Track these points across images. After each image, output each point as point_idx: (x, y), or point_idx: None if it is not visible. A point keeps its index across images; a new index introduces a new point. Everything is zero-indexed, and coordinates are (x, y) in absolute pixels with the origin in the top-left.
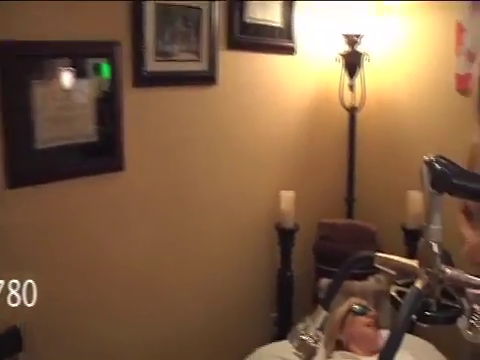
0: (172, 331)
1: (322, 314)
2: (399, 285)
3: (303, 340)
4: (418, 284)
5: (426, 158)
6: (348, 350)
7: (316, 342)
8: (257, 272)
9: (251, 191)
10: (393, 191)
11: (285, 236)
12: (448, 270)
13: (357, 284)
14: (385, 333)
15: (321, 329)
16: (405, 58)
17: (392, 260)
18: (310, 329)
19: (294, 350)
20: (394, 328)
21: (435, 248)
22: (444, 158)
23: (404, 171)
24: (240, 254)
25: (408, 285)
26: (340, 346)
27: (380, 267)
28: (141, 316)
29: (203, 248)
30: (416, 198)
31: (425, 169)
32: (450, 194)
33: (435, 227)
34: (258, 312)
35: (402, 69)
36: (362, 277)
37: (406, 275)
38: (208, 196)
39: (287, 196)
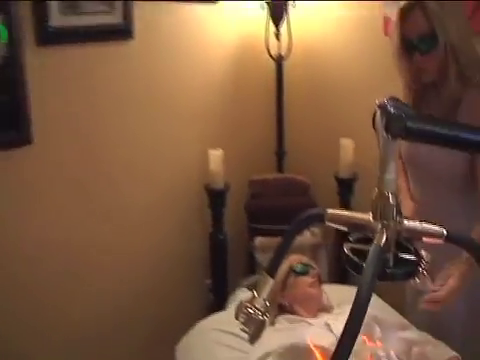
0: (100, 306)
1: (269, 282)
2: (351, 242)
3: (250, 314)
4: (378, 241)
5: (378, 101)
6: (292, 312)
7: (264, 314)
8: (188, 238)
9: (176, 152)
10: (324, 141)
11: (215, 198)
12: (405, 221)
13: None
14: (327, 288)
15: (269, 299)
16: (332, 3)
17: (344, 216)
18: (256, 301)
19: (241, 326)
20: (360, 292)
21: (391, 199)
22: (398, 100)
23: (335, 120)
24: (168, 220)
25: (361, 241)
26: (283, 309)
27: (331, 225)
28: (63, 294)
29: (126, 216)
30: (348, 146)
31: (378, 113)
32: (404, 139)
33: (390, 176)
34: (191, 280)
35: (329, 15)
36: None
37: (359, 230)
38: (128, 160)
39: (215, 155)
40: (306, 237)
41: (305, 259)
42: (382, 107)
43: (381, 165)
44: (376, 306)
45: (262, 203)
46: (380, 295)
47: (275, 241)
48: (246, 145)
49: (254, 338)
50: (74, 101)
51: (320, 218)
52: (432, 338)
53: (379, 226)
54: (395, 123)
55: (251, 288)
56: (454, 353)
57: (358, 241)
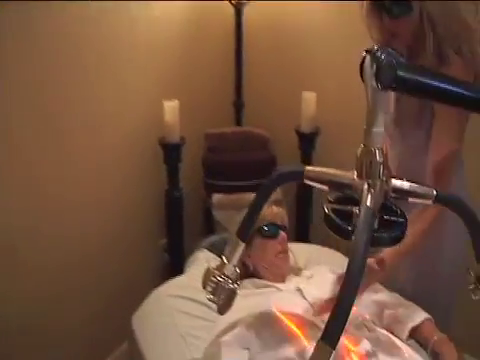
0: (51, 270)
1: (239, 247)
2: (332, 202)
3: (219, 282)
4: (368, 202)
5: (368, 48)
6: (257, 276)
7: (235, 282)
8: (141, 196)
9: (129, 103)
10: (285, 93)
11: (171, 152)
12: (393, 180)
13: (252, 196)
14: (290, 246)
15: (238, 265)
16: None
17: (325, 174)
18: (226, 268)
19: (209, 296)
20: (353, 261)
21: (378, 156)
22: (391, 48)
23: (297, 71)
24: (120, 177)
25: (341, 201)
26: (247, 271)
27: (311, 183)
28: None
29: (76, 172)
30: (310, 99)
31: (367, 60)
32: (395, 90)
33: (378, 130)
34: (146, 240)
35: None
36: (256, 188)
37: (341, 190)
38: (79, 112)
39: (171, 106)
40: None
41: (276, 211)
42: (372, 54)
43: (369, 117)
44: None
45: (219, 158)
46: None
47: (233, 198)
48: (203, 96)
49: (224, 308)
50: (28, 51)
51: (298, 176)
52: (404, 300)
53: (365, 185)
54: (386, 72)
55: (211, 249)
56: (427, 315)
57: (338, 201)
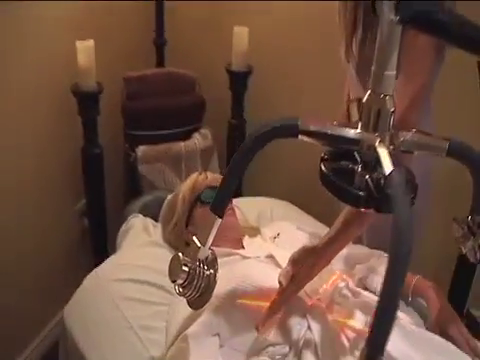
0: None
1: (215, 224)
2: (328, 160)
3: (194, 271)
4: (388, 163)
5: None
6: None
7: (213, 269)
8: (54, 155)
9: (33, 44)
10: (214, 28)
11: (86, 101)
12: (405, 133)
13: (181, 145)
14: (236, 202)
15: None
16: None
17: (324, 128)
18: (200, 252)
19: (180, 289)
20: (399, 235)
21: (388, 104)
22: None
23: (226, 3)
24: (27, 133)
25: (337, 157)
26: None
27: (306, 139)
28: None
29: None
30: (242, 35)
31: None
32: (411, 25)
33: (390, 73)
34: (63, 204)
35: None
36: (185, 136)
37: (342, 145)
38: None
39: (85, 47)
40: (196, 141)
41: (210, 176)
42: None
43: (379, 57)
44: (306, 221)
45: (140, 105)
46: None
47: (161, 149)
48: (121, 34)
49: (203, 302)
50: None
51: (290, 131)
52: (374, 250)
53: (377, 140)
54: (408, 3)
55: (146, 212)
56: None
57: (335, 158)
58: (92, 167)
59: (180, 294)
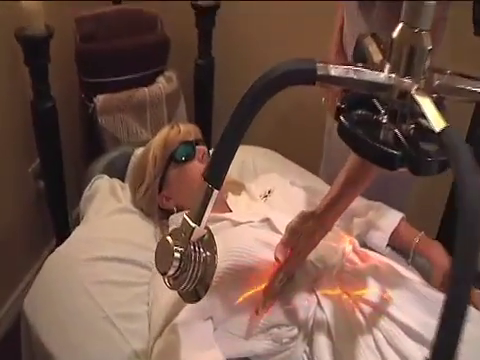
0: None
1: (212, 196)
2: (345, 109)
3: (189, 256)
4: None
5: None
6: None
7: (210, 248)
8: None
9: None
10: None
11: (34, 48)
12: (440, 75)
13: (145, 91)
14: None
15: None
16: None
17: (346, 72)
18: (195, 232)
19: (172, 282)
20: (466, 202)
21: (425, 40)
22: None
23: None
24: None
25: (354, 105)
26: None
27: (325, 85)
28: None
29: None
30: None
31: None
32: None
33: (430, 3)
34: (14, 166)
35: None
36: (148, 81)
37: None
38: None
39: None
40: (161, 86)
41: (183, 128)
42: None
43: None
44: (295, 173)
45: (96, 48)
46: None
47: (123, 97)
48: None
49: (200, 293)
50: None
51: (307, 76)
52: (367, 200)
53: (414, 86)
54: None
55: (111, 171)
56: (400, 213)
57: (350, 106)
58: (45, 123)
59: (172, 287)
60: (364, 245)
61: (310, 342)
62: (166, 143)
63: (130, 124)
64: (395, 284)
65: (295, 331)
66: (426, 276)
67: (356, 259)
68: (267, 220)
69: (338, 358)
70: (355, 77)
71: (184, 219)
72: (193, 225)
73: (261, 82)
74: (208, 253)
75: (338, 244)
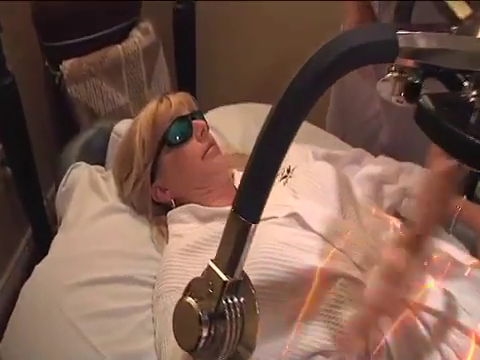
0: None
1: (248, 236)
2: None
3: (215, 321)
4: None
5: None
6: (188, 202)
7: (247, 291)
8: None
9: None
10: None
11: None
12: None
13: (118, 49)
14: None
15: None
16: None
17: (442, 41)
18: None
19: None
20: None
21: None
22: None
23: None
24: None
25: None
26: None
27: (410, 63)
28: None
29: None
30: None
31: None
32: None
33: None
34: None
35: None
36: (121, 36)
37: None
38: None
39: None
40: (136, 39)
41: (177, 100)
42: None
43: None
44: (312, 134)
45: (57, 4)
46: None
47: (94, 60)
48: None
49: (248, 350)
50: None
51: (386, 51)
52: (402, 164)
53: None
54: None
55: (90, 155)
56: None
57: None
58: (4, 103)
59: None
60: (397, 215)
61: None
62: (155, 122)
63: (104, 90)
64: (453, 275)
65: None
66: (470, 246)
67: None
68: (294, 215)
69: None
70: (452, 48)
71: (210, 269)
72: (225, 278)
73: (321, 64)
74: (244, 299)
75: (381, 234)
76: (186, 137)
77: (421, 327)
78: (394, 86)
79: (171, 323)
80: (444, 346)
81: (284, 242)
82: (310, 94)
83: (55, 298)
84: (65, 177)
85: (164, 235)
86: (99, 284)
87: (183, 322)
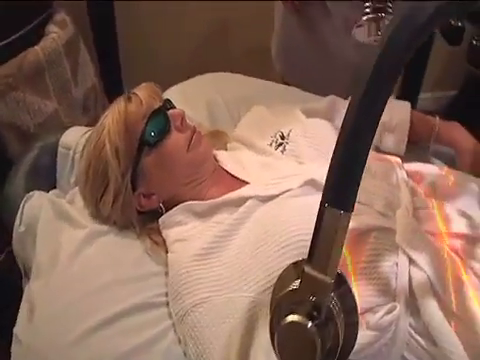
0: None
1: (343, 227)
2: None
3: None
4: None
5: None
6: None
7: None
8: None
9: None
10: None
11: None
12: None
13: (36, 51)
14: None
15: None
16: None
17: None
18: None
19: None
20: None
21: None
22: None
23: None
24: None
25: None
26: (156, 216)
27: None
28: None
29: None
30: None
31: None
32: None
33: None
34: None
35: None
36: (36, 36)
37: None
38: None
39: None
40: (53, 35)
41: (145, 93)
42: None
43: None
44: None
45: None
46: None
47: (11, 69)
48: None
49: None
50: None
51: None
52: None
53: None
54: None
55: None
56: (407, 103)
57: None
58: None
59: None
60: (377, 150)
61: (414, 311)
62: (128, 125)
63: (29, 101)
64: (463, 195)
65: (395, 306)
66: (449, 163)
67: (411, 182)
68: (310, 182)
69: (452, 318)
70: None
71: (305, 274)
72: (329, 280)
73: (404, 33)
74: (344, 303)
75: (392, 176)
76: (166, 132)
77: (453, 254)
78: (370, 27)
79: (208, 337)
80: (475, 264)
81: (309, 214)
82: (407, 49)
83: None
84: (19, 215)
85: (160, 244)
86: (106, 325)
87: (291, 342)
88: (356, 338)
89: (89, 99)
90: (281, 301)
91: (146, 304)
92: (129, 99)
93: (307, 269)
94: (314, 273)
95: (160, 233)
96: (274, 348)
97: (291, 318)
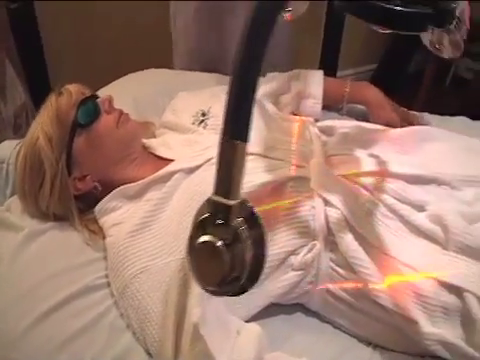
0: None
1: (243, 155)
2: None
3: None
4: None
5: None
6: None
7: (253, 220)
8: None
9: None
10: None
11: None
12: None
13: None
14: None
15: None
16: None
17: None
18: (233, 209)
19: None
20: None
21: None
22: None
23: None
24: None
25: None
26: (91, 197)
27: None
28: None
29: None
30: None
31: None
32: None
33: None
34: None
35: None
36: None
37: None
38: None
39: None
40: None
41: (74, 86)
42: None
43: None
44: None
45: None
46: None
47: None
48: None
49: (251, 282)
50: None
51: None
52: (288, 73)
53: None
54: None
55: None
56: (320, 71)
57: None
58: None
59: (221, 294)
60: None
61: (334, 247)
62: (59, 114)
63: None
64: (372, 142)
65: (315, 244)
66: (362, 117)
67: (321, 135)
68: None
69: (366, 246)
70: None
71: (212, 201)
72: (232, 202)
73: None
74: (252, 228)
75: (305, 133)
76: (96, 115)
77: (363, 191)
78: (434, 37)
79: (147, 303)
80: (385, 196)
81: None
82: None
83: (13, 347)
84: None
85: (97, 233)
86: (54, 311)
87: (201, 263)
88: (263, 266)
89: (20, 117)
90: (195, 229)
91: (88, 288)
92: (60, 94)
93: (213, 198)
94: (218, 198)
95: (97, 222)
96: (190, 269)
97: (203, 238)
